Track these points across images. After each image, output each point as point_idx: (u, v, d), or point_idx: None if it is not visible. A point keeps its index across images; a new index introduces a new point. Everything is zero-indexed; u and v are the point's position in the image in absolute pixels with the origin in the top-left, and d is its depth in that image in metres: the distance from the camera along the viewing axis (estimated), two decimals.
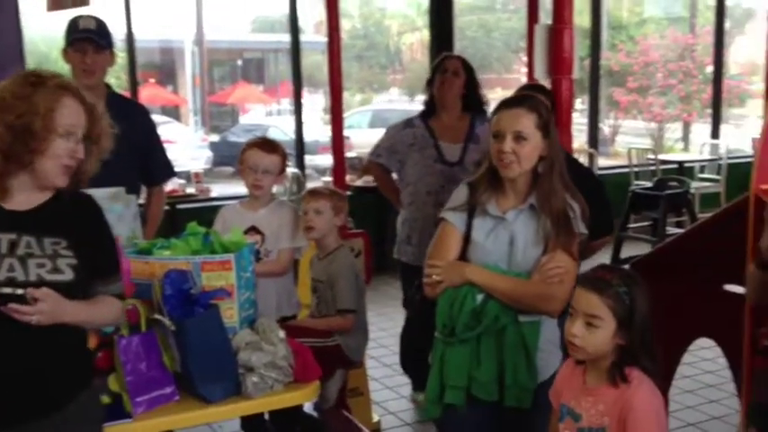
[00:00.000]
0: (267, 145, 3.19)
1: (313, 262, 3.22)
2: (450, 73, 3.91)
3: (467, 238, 2.45)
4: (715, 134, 9.99)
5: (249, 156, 3.14)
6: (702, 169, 9.35)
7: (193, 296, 2.35)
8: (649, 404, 2.01)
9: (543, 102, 2.50)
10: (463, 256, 2.45)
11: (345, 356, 3.10)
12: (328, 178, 6.45)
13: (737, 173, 8.69)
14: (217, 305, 2.36)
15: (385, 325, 5.58)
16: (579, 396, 2.09)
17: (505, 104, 2.45)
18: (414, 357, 4.17)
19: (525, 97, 2.49)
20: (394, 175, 4.11)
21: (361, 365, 3.61)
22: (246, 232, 3.07)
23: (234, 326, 2.44)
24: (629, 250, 6.57)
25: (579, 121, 8.90)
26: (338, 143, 4.44)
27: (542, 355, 2.41)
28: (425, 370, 2.53)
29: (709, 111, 10.52)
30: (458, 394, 2.41)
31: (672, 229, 7.27)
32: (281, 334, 2.42)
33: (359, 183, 7.04)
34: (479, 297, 2.37)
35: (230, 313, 2.45)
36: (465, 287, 2.38)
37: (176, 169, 3.79)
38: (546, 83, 3.46)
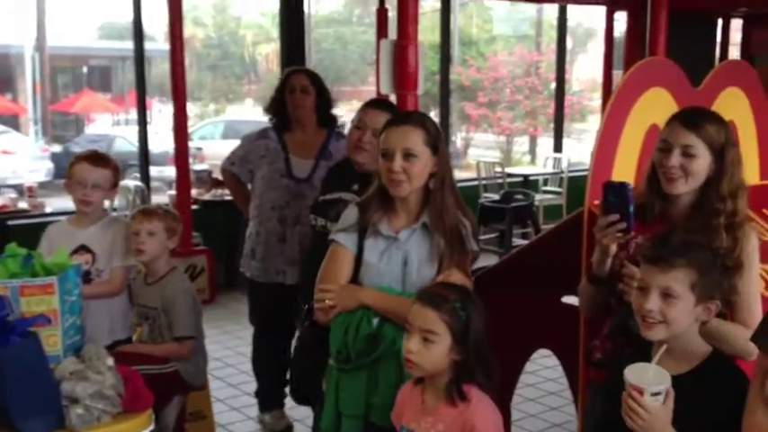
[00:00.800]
0: (96, 158, 3.02)
1: (139, 287, 3.05)
2: (298, 92, 3.83)
3: (359, 260, 2.38)
4: (558, 148, 10.43)
5: (77, 170, 2.96)
6: (546, 182, 9.73)
7: (10, 324, 2.17)
8: (490, 422, 2.03)
9: (430, 117, 2.48)
10: (355, 279, 2.39)
11: (184, 381, 2.97)
12: (173, 191, 6.23)
13: (577, 186, 9.10)
14: (36, 333, 2.19)
15: (231, 343, 5.41)
16: (419, 416, 2.08)
17: (393, 122, 2.41)
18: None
19: (412, 114, 2.46)
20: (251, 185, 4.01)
21: (203, 388, 3.47)
22: (76, 252, 2.90)
23: (57, 354, 2.28)
24: (478, 262, 6.71)
25: None
26: (182, 155, 4.29)
27: None
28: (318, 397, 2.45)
29: (553, 125, 10.99)
30: (355, 423, 2.33)
31: (518, 241, 7.51)
32: (110, 361, 2.27)
33: (207, 196, 6.84)
34: (375, 321, 2.30)
35: (53, 341, 2.28)
36: (359, 311, 2.31)
37: (12, 182, 3.53)
38: (392, 98, 3.47)
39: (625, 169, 2.83)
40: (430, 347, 2.00)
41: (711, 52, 7.29)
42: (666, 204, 2.25)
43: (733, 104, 3.14)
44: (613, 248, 2.19)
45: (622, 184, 2.19)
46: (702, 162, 2.17)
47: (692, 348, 1.87)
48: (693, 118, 2.22)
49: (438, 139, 2.37)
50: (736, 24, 7.32)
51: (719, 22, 7.32)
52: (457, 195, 2.41)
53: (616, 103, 2.87)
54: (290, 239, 3.69)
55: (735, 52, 7.38)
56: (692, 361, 1.86)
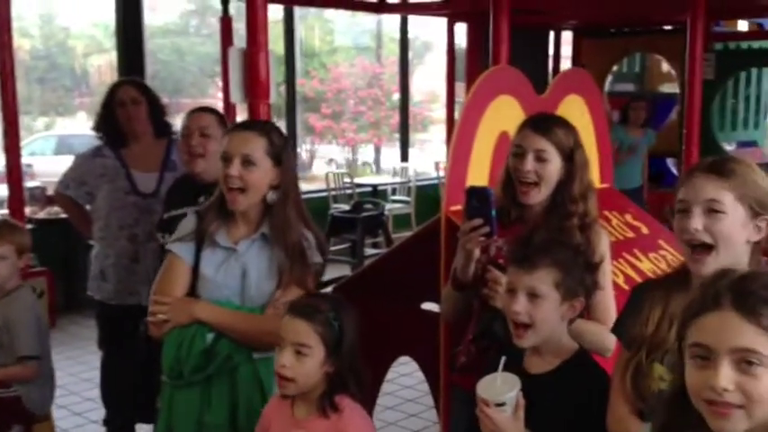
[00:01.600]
0: None
1: None
2: (129, 104, 3.65)
3: (196, 272, 2.28)
4: (404, 158, 10.61)
5: None
6: (394, 191, 9.87)
7: None
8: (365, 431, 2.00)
9: (278, 129, 2.40)
10: (193, 292, 2.27)
11: (26, 410, 2.76)
12: (5, 210, 5.82)
13: (424, 194, 9.30)
14: None
15: (74, 369, 5.12)
16: (289, 430, 2.01)
17: (237, 126, 2.33)
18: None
19: (259, 122, 2.37)
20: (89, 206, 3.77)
21: (46, 418, 3.23)
22: None
23: None
24: (330, 272, 6.69)
25: None
26: (14, 172, 4.00)
27: None
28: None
29: (398, 135, 11.17)
30: None
31: (369, 251, 7.55)
32: None
33: (42, 215, 6.43)
34: (210, 336, 2.20)
35: None
36: (194, 326, 2.20)
37: None
38: (243, 107, 3.38)
39: (479, 176, 2.88)
40: (303, 361, 1.94)
41: (545, 63, 7.64)
42: (522, 210, 2.30)
43: (574, 111, 3.28)
44: (477, 253, 2.21)
45: (485, 189, 2.22)
46: (554, 166, 2.24)
47: (560, 347, 1.91)
48: (544, 123, 2.29)
49: (282, 150, 2.29)
50: (567, 37, 7.71)
51: (551, 34, 7.68)
52: (300, 209, 2.33)
53: (467, 111, 2.93)
54: (143, 258, 3.50)
55: (567, 63, 7.77)
56: (558, 358, 1.90)
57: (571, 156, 2.26)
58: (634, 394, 1.67)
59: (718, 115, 6.40)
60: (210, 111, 3.03)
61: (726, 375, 1.21)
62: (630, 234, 3.34)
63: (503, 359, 1.80)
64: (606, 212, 3.32)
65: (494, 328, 2.16)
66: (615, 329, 1.86)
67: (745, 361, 1.20)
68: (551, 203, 2.27)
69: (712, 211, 1.64)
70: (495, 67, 3.29)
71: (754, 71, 6.57)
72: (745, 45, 6.55)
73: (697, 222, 1.64)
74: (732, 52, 6.37)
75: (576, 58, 7.38)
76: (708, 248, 1.65)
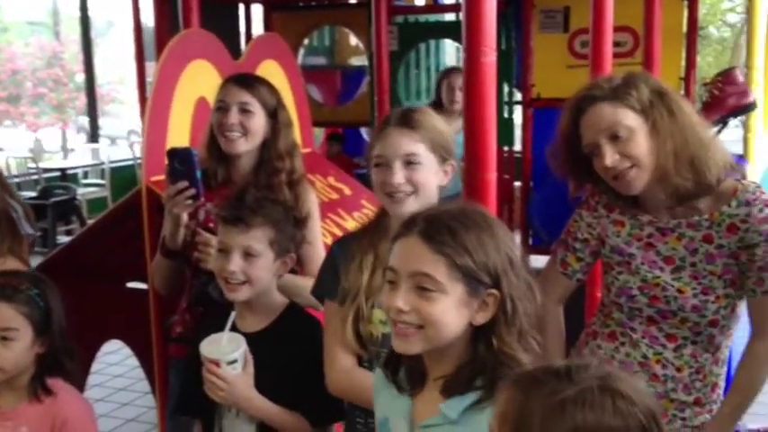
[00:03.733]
0: None
1: None
2: None
3: None
4: (93, 139, 10.02)
5: None
6: (86, 175, 9.29)
7: None
8: (81, 412, 1.90)
9: None
10: None
11: None
12: None
13: (121, 176, 8.86)
14: None
15: None
16: None
17: None
18: None
19: None
20: None
21: None
22: None
23: None
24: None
25: None
26: None
27: None
28: None
29: (84, 117, 10.52)
30: None
31: (64, 238, 7.05)
32: None
33: None
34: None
35: None
36: None
37: None
38: None
39: (178, 142, 2.78)
40: (10, 346, 1.79)
41: (237, 39, 7.58)
42: (229, 169, 2.27)
43: (272, 76, 3.27)
44: (185, 217, 2.13)
45: (187, 150, 2.14)
46: (258, 120, 2.23)
47: (272, 303, 1.91)
48: (247, 79, 2.30)
49: None
50: (258, 13, 7.71)
51: (241, 8, 7.63)
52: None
53: (161, 77, 2.79)
54: None
55: None
56: (271, 315, 1.90)
57: (275, 114, 2.26)
58: (357, 343, 1.70)
59: (404, 85, 6.78)
60: None
61: (403, 297, 1.27)
62: (335, 195, 3.43)
63: (233, 314, 1.77)
64: (310, 176, 3.37)
65: (208, 292, 2.11)
66: (315, 290, 1.86)
67: (421, 285, 1.26)
68: (258, 161, 2.26)
69: (411, 163, 1.71)
70: (186, 30, 3.18)
71: (432, 43, 7.03)
72: (423, 18, 6.99)
73: (399, 176, 1.70)
74: (412, 25, 6.77)
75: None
76: (407, 195, 1.71)
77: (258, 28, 7.62)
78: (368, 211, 3.43)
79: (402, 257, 1.29)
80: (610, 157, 1.76)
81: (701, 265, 1.79)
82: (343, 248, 1.79)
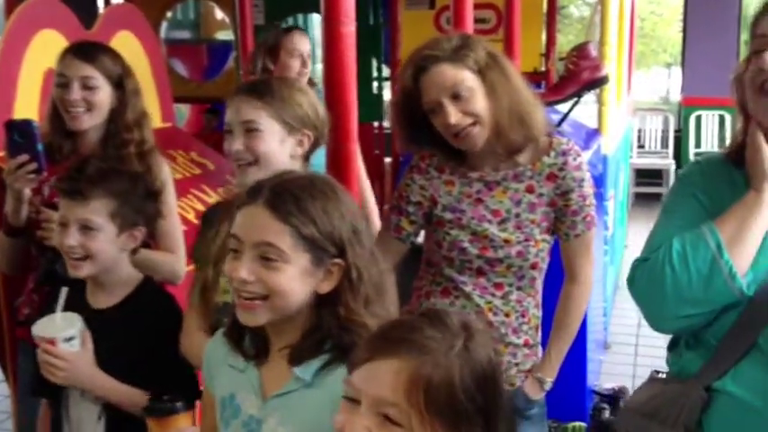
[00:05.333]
0: None
1: None
2: None
3: None
4: None
5: None
6: None
7: None
8: None
9: None
10: None
11: None
12: None
13: None
14: None
15: None
16: None
17: None
18: None
19: None
20: None
21: None
22: None
23: None
24: None
25: None
26: None
27: None
28: None
29: None
30: None
31: None
32: None
33: None
34: None
35: None
36: None
37: None
38: None
39: (27, 115, 2.64)
40: None
41: (94, 10, 7.27)
42: (75, 142, 2.18)
43: (127, 48, 3.15)
44: (27, 193, 2.03)
45: (26, 122, 2.03)
46: (102, 94, 2.16)
47: (123, 278, 1.85)
48: (87, 50, 2.20)
49: None
50: None
51: None
52: None
53: (5, 49, 2.65)
54: None
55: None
56: (123, 291, 1.84)
57: (121, 83, 2.18)
58: (205, 309, 1.69)
59: None
60: None
61: (247, 267, 1.24)
62: (197, 171, 3.36)
63: (64, 290, 1.69)
64: (171, 151, 3.29)
65: (56, 270, 2.02)
66: (192, 256, 1.87)
67: (265, 255, 1.24)
68: (106, 133, 2.17)
69: (250, 130, 1.70)
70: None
71: (300, 17, 6.96)
72: None
73: (237, 144, 1.71)
74: None
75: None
76: (248, 164, 1.72)
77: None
78: (233, 186, 3.38)
79: (246, 226, 1.27)
80: (453, 115, 1.86)
81: (525, 215, 1.96)
82: (210, 215, 1.81)
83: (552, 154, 1.96)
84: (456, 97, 1.85)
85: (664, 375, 1.57)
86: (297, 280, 1.25)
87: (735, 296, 1.38)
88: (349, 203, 1.32)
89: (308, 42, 3.32)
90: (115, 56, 2.20)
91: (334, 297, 1.28)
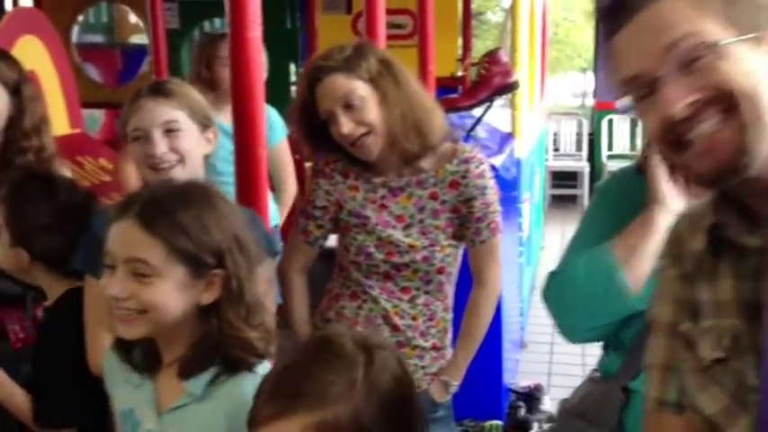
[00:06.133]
0: None
1: None
2: None
3: None
4: None
5: None
6: None
7: None
8: None
9: None
10: None
11: None
12: None
13: None
14: None
15: None
16: None
17: None
18: None
19: None
20: None
21: None
22: None
23: None
24: None
25: None
26: None
27: None
28: None
29: None
30: None
31: None
32: None
33: None
34: None
35: None
36: None
37: None
38: None
39: None
40: None
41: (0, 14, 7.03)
42: None
43: (32, 53, 3.07)
44: None
45: None
46: (1, 102, 2.09)
47: None
48: None
49: None
50: None
51: None
52: None
53: None
54: None
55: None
56: None
57: (18, 89, 2.12)
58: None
59: (189, 64, 6.61)
60: None
61: (120, 283, 1.22)
62: (106, 178, 3.30)
63: None
64: (79, 158, 3.22)
65: None
66: (76, 264, 1.78)
67: (138, 271, 1.22)
68: (3, 141, 2.11)
69: (171, 130, 1.70)
70: None
71: (218, 21, 6.89)
72: None
73: (162, 146, 1.69)
74: (194, 2, 6.60)
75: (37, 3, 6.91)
76: (172, 165, 1.71)
77: (28, 2, 7.11)
78: None
79: (118, 242, 1.24)
80: (346, 125, 1.88)
81: (428, 221, 1.98)
82: (103, 222, 1.73)
83: (455, 161, 1.98)
84: (348, 107, 1.87)
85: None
86: (173, 294, 1.23)
87: (631, 310, 1.43)
88: (228, 212, 1.29)
89: None
90: (12, 62, 2.14)
91: (216, 308, 1.26)
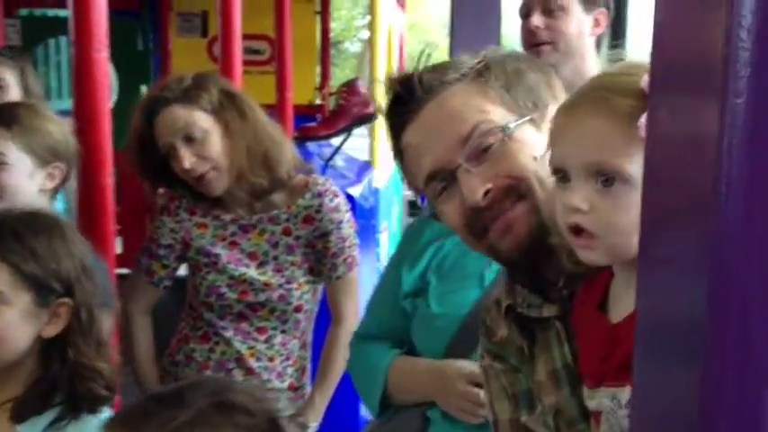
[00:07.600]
0: None
1: None
2: None
3: None
4: None
5: None
6: None
7: None
8: None
9: None
10: None
11: None
12: None
13: None
14: None
15: None
16: None
17: None
18: None
19: None
20: None
21: None
22: None
23: None
24: None
25: None
26: None
27: None
28: None
29: None
30: None
31: None
32: None
33: None
34: None
35: None
36: None
37: None
38: None
39: None
40: None
41: None
42: None
43: None
44: None
45: None
46: None
47: None
48: None
49: None
50: None
51: None
52: None
53: None
54: None
55: None
56: None
57: None
58: None
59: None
60: None
61: None
62: None
63: None
64: None
65: None
66: None
67: None
68: None
69: None
70: None
71: (63, 39, 6.59)
72: (52, 13, 6.52)
73: None
74: (38, 19, 6.29)
75: None
76: None
77: None
78: None
79: None
80: (187, 159, 1.78)
81: (283, 257, 1.90)
82: None
83: (308, 195, 1.90)
84: (189, 140, 1.78)
85: None
86: (17, 324, 1.15)
87: None
88: (76, 240, 1.24)
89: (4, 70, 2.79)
90: None
91: (62, 341, 1.18)
